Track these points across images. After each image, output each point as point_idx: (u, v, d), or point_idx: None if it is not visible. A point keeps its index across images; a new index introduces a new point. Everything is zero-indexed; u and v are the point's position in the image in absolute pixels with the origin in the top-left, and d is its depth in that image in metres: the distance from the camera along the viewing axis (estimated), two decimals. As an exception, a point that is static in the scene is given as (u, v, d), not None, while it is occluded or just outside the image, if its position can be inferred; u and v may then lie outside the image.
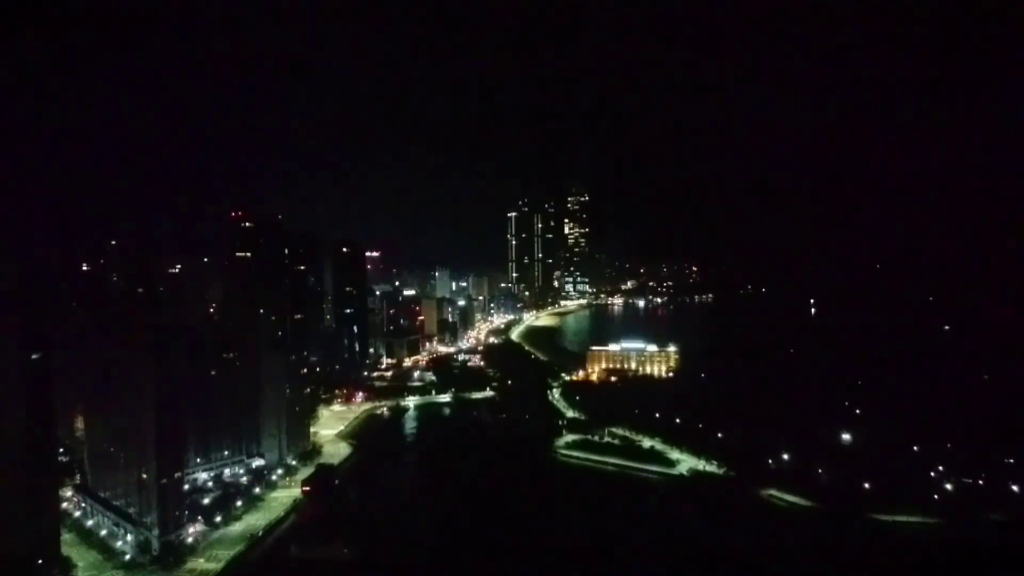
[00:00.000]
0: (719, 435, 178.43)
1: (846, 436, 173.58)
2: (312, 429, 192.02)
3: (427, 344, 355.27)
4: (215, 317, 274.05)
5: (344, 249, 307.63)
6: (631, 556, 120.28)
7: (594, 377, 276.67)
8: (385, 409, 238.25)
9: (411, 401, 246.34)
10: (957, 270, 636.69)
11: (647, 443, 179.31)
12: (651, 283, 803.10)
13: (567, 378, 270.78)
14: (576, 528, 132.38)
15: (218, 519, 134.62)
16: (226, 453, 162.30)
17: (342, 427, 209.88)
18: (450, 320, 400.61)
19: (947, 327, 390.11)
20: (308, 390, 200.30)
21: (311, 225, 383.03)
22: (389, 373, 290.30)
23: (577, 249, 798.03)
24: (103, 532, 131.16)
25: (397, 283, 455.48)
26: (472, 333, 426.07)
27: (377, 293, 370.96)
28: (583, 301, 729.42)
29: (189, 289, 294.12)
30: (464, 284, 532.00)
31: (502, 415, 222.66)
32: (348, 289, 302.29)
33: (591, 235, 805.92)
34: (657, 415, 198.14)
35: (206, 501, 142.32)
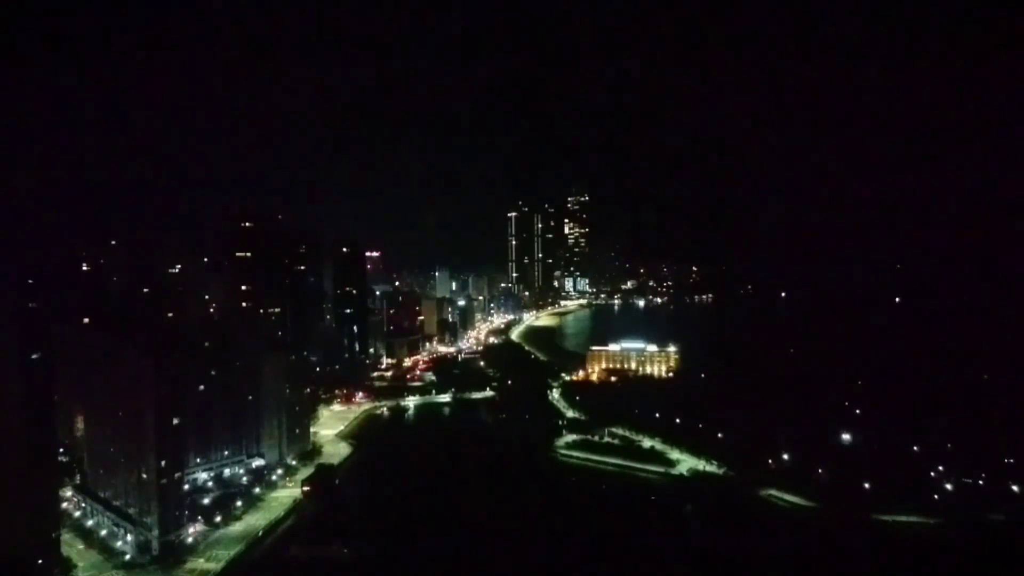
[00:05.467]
0: (719, 435, 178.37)
1: (846, 436, 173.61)
2: (312, 429, 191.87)
3: (427, 344, 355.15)
4: (215, 317, 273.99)
5: (344, 249, 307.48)
6: (631, 556, 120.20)
7: (594, 377, 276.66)
8: (385, 409, 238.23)
9: (411, 401, 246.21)
10: (957, 270, 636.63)
11: (647, 443, 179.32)
12: (651, 283, 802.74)
13: (567, 378, 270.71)
14: (576, 528, 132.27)
15: (218, 519, 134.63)
16: (226, 453, 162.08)
17: (342, 427, 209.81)
18: (450, 320, 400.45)
19: (947, 326, 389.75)
20: (308, 390, 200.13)
21: (311, 225, 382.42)
22: (389, 373, 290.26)
23: (577, 249, 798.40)
24: (103, 532, 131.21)
25: (397, 283, 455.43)
26: (472, 333, 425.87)
27: (377, 293, 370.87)
28: (583, 301, 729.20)
29: (189, 289, 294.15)
30: (464, 284, 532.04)
31: (502, 415, 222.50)
32: (348, 289, 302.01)
33: (591, 235, 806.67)
34: (657, 415, 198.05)
35: (206, 501, 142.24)
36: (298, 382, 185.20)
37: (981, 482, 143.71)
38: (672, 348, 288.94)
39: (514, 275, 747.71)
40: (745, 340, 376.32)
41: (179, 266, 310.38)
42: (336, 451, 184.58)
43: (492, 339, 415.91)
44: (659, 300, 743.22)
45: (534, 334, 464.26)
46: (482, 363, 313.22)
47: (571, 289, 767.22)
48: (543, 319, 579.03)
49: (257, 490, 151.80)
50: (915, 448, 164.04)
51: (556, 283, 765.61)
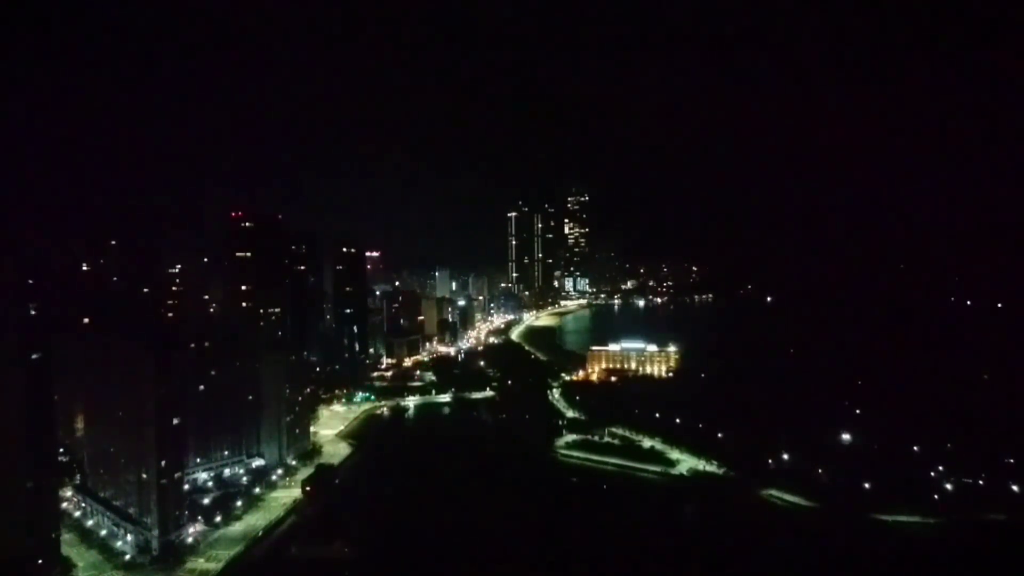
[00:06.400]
0: (719, 435, 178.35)
1: (846, 436, 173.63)
2: (312, 429, 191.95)
3: (427, 344, 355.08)
4: (215, 317, 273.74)
5: (344, 249, 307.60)
6: (631, 556, 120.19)
7: (594, 377, 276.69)
8: (385, 409, 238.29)
9: (411, 401, 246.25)
10: (957, 269, 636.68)
11: (647, 443, 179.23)
12: (651, 283, 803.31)
13: (567, 378, 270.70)
14: (576, 528, 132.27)
15: (218, 519, 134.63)
16: (226, 453, 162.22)
17: (342, 427, 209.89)
18: (450, 320, 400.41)
19: (947, 326, 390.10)
20: (308, 390, 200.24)
21: (311, 225, 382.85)
22: (389, 373, 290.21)
23: (577, 249, 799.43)
24: (103, 532, 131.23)
25: (397, 283, 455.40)
26: (472, 333, 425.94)
27: (377, 293, 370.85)
28: (583, 301, 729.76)
29: (189, 289, 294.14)
30: (464, 284, 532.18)
31: (502, 415, 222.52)
32: (348, 289, 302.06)
33: (591, 235, 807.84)
34: (657, 415, 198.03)
35: (206, 501, 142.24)
36: (298, 382, 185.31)
37: (981, 482, 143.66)
38: (672, 348, 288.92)
39: (514, 275, 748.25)
40: (745, 340, 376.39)
41: (179, 266, 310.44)
42: (336, 451, 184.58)
43: (492, 339, 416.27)
44: (659, 300, 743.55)
45: (534, 334, 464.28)
46: (482, 363, 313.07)
47: (571, 289, 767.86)
48: (543, 319, 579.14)
49: (257, 490, 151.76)
50: (915, 448, 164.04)
51: (556, 283, 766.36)
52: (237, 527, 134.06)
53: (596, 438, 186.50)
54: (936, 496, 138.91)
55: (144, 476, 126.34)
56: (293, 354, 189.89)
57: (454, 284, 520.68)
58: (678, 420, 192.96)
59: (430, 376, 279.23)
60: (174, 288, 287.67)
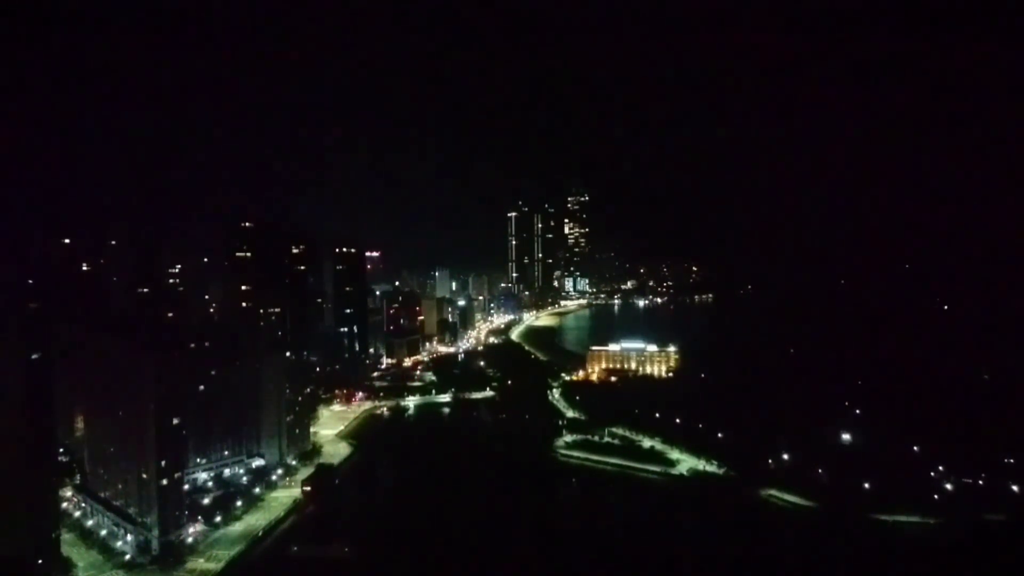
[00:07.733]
0: (719, 435, 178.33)
1: (846, 436, 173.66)
2: (312, 429, 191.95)
3: (427, 344, 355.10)
4: (215, 317, 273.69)
5: (344, 249, 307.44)
6: (631, 556, 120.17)
7: (594, 377, 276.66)
8: (385, 409, 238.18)
9: (411, 401, 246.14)
10: (957, 269, 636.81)
11: (647, 443, 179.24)
12: (651, 283, 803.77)
13: (567, 378, 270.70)
14: (576, 528, 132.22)
15: (218, 519, 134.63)
16: (226, 453, 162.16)
17: (342, 427, 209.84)
18: (450, 320, 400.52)
19: (947, 326, 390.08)
20: (308, 390, 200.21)
21: (311, 225, 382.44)
22: (389, 373, 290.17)
23: (577, 249, 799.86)
24: (103, 532, 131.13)
25: (397, 283, 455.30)
26: (472, 333, 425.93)
27: (377, 293, 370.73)
28: (583, 301, 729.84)
29: (189, 289, 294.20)
30: (464, 284, 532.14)
31: (502, 415, 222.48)
32: (348, 289, 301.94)
33: (591, 235, 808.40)
34: (657, 415, 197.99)
35: (206, 501, 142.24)
36: (298, 382, 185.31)
37: (981, 482, 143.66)
38: (672, 348, 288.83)
39: (514, 275, 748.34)
40: (745, 340, 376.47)
41: (179, 266, 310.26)
42: (336, 451, 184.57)
43: (492, 339, 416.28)
44: (659, 300, 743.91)
45: (534, 334, 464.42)
46: (482, 363, 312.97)
47: (571, 289, 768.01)
48: (543, 319, 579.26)
49: (257, 490, 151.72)
50: (915, 448, 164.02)
51: (556, 283, 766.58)
52: (237, 527, 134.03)
53: (596, 438, 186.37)
54: (936, 496, 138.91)
55: (144, 476, 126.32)
56: (293, 354, 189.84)
57: (454, 284, 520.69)
58: (678, 420, 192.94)
59: (430, 376, 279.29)
60: (174, 288, 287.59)
